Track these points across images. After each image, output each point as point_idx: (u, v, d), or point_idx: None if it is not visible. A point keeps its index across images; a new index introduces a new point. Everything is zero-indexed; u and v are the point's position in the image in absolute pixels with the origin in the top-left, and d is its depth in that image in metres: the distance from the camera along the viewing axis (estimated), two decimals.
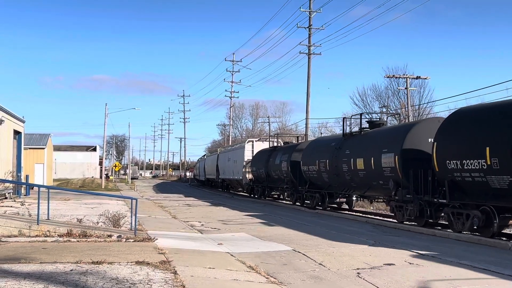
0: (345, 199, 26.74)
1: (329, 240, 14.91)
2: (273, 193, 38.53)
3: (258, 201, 36.15)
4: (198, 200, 38.05)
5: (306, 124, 44.87)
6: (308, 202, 28.98)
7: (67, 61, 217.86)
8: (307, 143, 31.20)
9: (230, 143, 69.97)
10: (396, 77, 47.25)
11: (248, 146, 43.64)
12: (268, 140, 42.70)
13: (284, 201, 35.40)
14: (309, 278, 9.72)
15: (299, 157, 29.49)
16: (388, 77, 47.60)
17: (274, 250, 13.22)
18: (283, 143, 37.99)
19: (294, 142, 40.21)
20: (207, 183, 67.73)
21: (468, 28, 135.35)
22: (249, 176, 41.41)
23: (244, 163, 42.18)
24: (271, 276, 9.76)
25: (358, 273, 10.13)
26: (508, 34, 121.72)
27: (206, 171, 65.94)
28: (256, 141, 45.02)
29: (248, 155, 42.45)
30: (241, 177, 43.27)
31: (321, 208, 26.98)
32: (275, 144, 38.74)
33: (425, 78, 43.83)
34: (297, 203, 30.97)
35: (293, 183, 30.88)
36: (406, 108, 42.40)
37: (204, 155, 76.03)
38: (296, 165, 29.83)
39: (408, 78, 42.08)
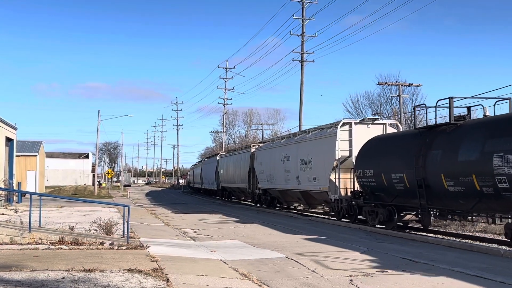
0: None
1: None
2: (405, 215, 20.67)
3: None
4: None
5: (299, 131, 44.91)
6: None
7: (61, 68, 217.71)
8: None
9: (223, 150, 68.63)
10: (389, 84, 47.37)
11: (342, 133, 23.99)
12: (377, 121, 25.31)
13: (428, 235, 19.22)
14: (302, 286, 9.71)
15: None
16: (380, 84, 47.70)
17: (267, 257, 13.20)
18: (456, 117, 17.55)
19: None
20: (221, 193, 51.60)
21: (460, 36, 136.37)
22: (346, 185, 23.64)
23: (336, 163, 23.68)
24: (264, 284, 9.74)
25: (351, 280, 10.12)
26: (499, 42, 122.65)
27: (221, 177, 48.48)
28: (357, 123, 24.64)
29: (343, 148, 23.81)
30: (322, 188, 24.94)
31: None
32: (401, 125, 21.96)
33: (418, 86, 44.04)
34: None
35: None
36: (399, 115, 42.56)
37: (217, 155, 55.06)
38: None
39: (400, 86, 42.26)
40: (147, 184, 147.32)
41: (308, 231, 19.70)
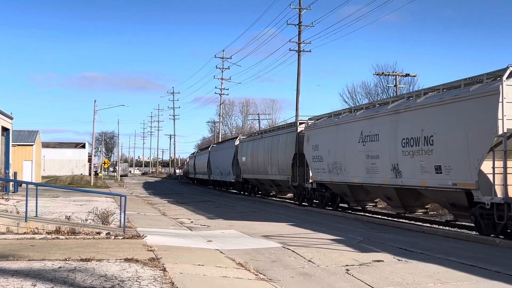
0: None
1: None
2: None
3: None
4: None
5: (296, 121, 44.85)
6: None
7: (57, 58, 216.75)
8: None
9: (220, 140, 68.12)
10: (386, 75, 47.38)
11: (509, 90, 14.30)
12: None
13: None
14: (298, 275, 9.74)
15: None
16: (377, 74, 47.69)
17: (264, 247, 13.23)
18: None
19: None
20: (241, 186, 42.22)
21: (457, 27, 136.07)
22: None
23: (496, 142, 14.26)
24: (260, 273, 9.77)
25: (347, 269, 10.16)
26: (497, 33, 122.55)
27: (243, 167, 39.57)
28: None
29: (511, 116, 14.14)
30: (459, 184, 15.54)
31: None
32: None
33: (414, 76, 44.12)
34: None
35: None
36: None
37: (235, 139, 46.22)
38: None
39: (397, 76, 42.29)
40: (143, 174, 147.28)
41: (304, 221, 19.75)
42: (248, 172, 38.28)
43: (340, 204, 24.99)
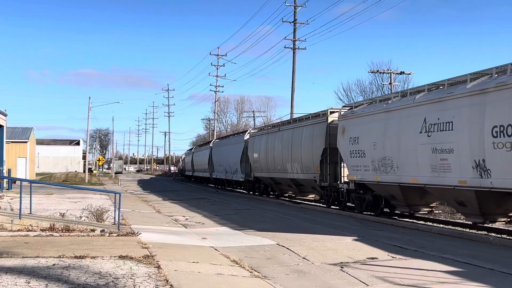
0: None
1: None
2: None
3: None
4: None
5: (291, 119, 44.82)
6: None
7: (53, 55, 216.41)
8: None
9: (215, 138, 67.80)
10: (380, 72, 47.44)
11: None
12: None
13: None
14: (293, 272, 9.75)
15: None
16: (372, 72, 47.73)
17: (258, 244, 13.23)
18: None
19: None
20: (252, 186, 37.56)
21: (452, 25, 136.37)
22: None
23: None
24: (255, 270, 9.77)
25: (341, 267, 10.17)
26: (492, 31, 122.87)
27: (255, 164, 34.99)
28: None
29: None
30: None
31: None
32: None
33: (409, 74, 44.18)
34: None
35: None
36: None
37: (244, 133, 41.44)
38: None
39: (392, 73, 42.38)
40: (138, 171, 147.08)
41: (299, 218, 19.76)
42: (261, 170, 33.47)
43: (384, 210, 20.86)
